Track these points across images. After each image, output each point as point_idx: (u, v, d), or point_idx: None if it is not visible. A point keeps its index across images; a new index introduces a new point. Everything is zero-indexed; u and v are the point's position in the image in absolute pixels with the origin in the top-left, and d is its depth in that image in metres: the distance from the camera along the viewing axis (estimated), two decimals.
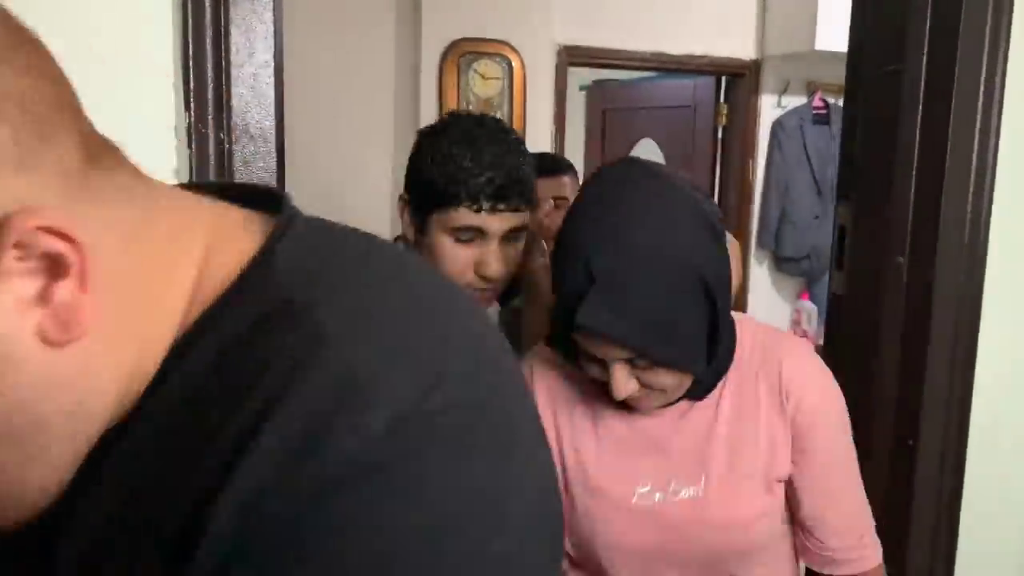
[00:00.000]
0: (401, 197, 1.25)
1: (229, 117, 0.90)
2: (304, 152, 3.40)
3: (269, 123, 0.93)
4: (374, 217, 3.52)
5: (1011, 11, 1.21)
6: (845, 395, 1.50)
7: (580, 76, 5.10)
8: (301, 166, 3.41)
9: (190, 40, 0.86)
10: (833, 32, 3.59)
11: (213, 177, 0.90)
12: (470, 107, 3.52)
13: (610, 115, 4.82)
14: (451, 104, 3.49)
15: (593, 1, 3.74)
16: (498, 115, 3.57)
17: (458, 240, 1.14)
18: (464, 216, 1.11)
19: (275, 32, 0.93)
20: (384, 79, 3.50)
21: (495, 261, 1.14)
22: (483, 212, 1.11)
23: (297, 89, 3.35)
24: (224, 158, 0.91)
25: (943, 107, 1.23)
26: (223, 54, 0.88)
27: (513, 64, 3.56)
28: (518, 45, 3.54)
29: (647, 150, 4.61)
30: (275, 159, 0.94)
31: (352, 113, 3.47)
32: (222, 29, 0.87)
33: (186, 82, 0.87)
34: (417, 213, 1.18)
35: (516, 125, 3.57)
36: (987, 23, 1.20)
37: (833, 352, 1.53)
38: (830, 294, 1.52)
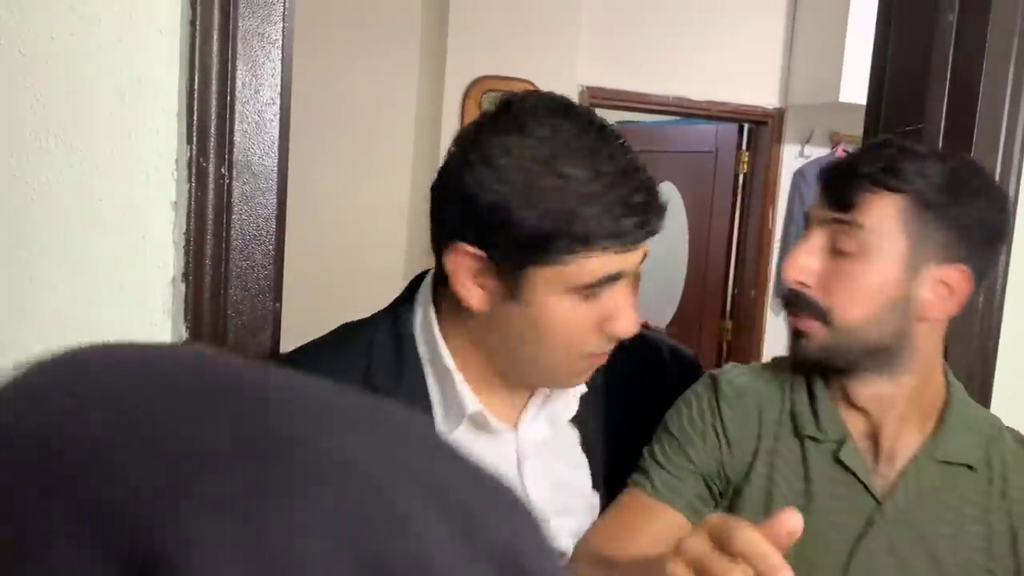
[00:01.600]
0: (457, 249, 0.83)
1: (231, 152, 0.89)
2: (322, 184, 3.42)
3: (271, 160, 0.93)
4: (390, 254, 3.52)
5: None
6: None
7: (602, 118, 5.11)
8: (318, 198, 3.43)
9: (196, 73, 0.86)
10: (858, 84, 3.58)
11: (211, 211, 0.89)
12: None
13: None
14: None
15: (618, 43, 3.75)
16: None
17: (586, 297, 0.80)
18: (603, 263, 0.78)
19: (282, 71, 0.92)
20: (406, 112, 3.52)
21: (632, 312, 0.84)
22: (627, 250, 0.79)
23: (317, 121, 3.39)
24: (224, 193, 0.90)
25: None
26: (228, 89, 0.88)
27: None
28: (541, 84, 3.54)
29: (667, 194, 4.58)
30: (275, 196, 0.93)
31: (373, 146, 3.48)
32: (228, 64, 0.87)
33: (190, 115, 0.87)
34: (502, 269, 0.81)
35: None
36: (1008, 81, 1.19)
37: None
38: None
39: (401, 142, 3.53)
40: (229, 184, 0.90)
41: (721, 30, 3.86)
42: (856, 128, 4.34)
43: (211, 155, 0.88)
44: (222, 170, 0.89)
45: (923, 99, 1.26)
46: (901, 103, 1.33)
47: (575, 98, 3.73)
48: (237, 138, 0.90)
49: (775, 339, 4.16)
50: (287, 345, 3.30)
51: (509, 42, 3.49)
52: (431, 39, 3.49)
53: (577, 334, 0.82)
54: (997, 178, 1.19)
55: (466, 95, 3.48)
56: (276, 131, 0.92)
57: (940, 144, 1.25)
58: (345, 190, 3.45)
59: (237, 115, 0.89)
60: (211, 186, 0.88)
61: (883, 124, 1.36)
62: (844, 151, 3.97)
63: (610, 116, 4.93)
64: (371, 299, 3.92)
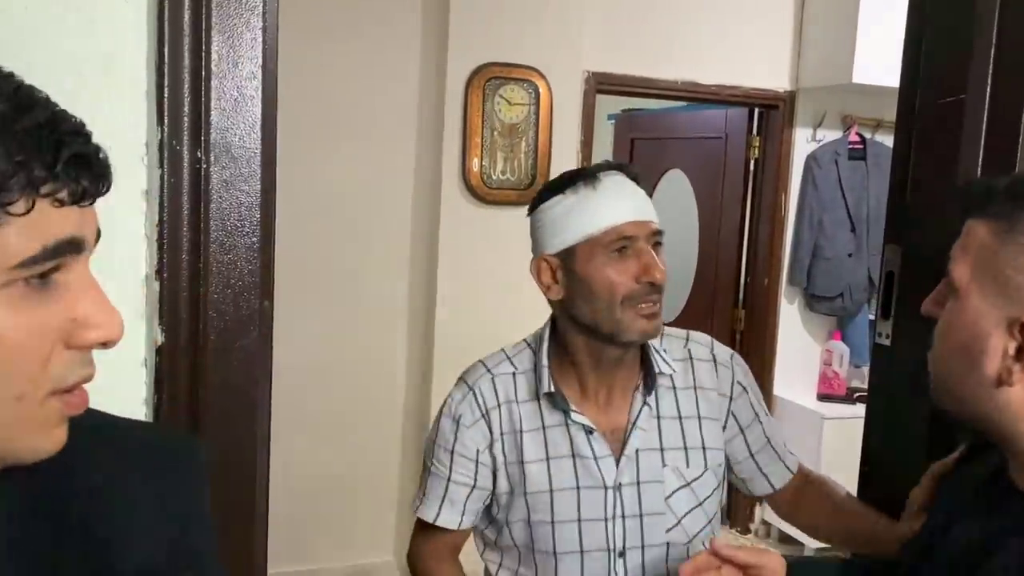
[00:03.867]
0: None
1: (207, 134, 0.80)
2: (322, 175, 3.33)
3: (253, 142, 0.83)
4: (394, 241, 3.44)
5: None
6: (886, 450, 1.38)
7: (609, 106, 5.02)
8: (319, 190, 3.35)
9: (165, 46, 0.77)
10: (872, 65, 3.48)
11: (186, 200, 0.80)
12: (495, 132, 3.43)
13: (639, 144, 4.72)
14: (476, 129, 3.41)
15: (624, 28, 3.66)
16: (523, 142, 3.48)
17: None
18: (48, 221, 0.69)
19: (264, 40, 0.83)
20: (409, 101, 3.44)
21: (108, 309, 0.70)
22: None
23: (316, 110, 3.31)
24: (200, 179, 0.81)
25: (1010, 139, 1.11)
26: (203, 63, 0.78)
27: (540, 90, 3.47)
28: (546, 71, 3.46)
29: (676, 181, 4.49)
30: (259, 182, 0.84)
31: (375, 135, 3.40)
32: (203, 35, 0.78)
33: (160, 93, 0.77)
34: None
35: (542, 152, 3.48)
36: None
37: (877, 406, 1.40)
38: (873, 344, 1.39)
39: (404, 131, 3.45)
40: (206, 169, 0.81)
41: (730, 12, 3.76)
42: (870, 110, 4.26)
43: (185, 137, 0.79)
44: (198, 154, 0.80)
45: (966, 68, 1.16)
46: (939, 73, 1.23)
47: (580, 85, 3.68)
48: (214, 118, 0.80)
49: (788, 328, 4.07)
50: (288, 343, 3.24)
51: (513, 28, 3.40)
52: (433, 25, 3.40)
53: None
54: None
55: (469, 83, 3.39)
56: (258, 109, 0.83)
57: (985, 116, 1.15)
58: (347, 180, 3.37)
59: (213, 92, 0.80)
60: (186, 172, 0.79)
61: (920, 97, 1.26)
62: (857, 134, 3.87)
63: (617, 102, 4.86)
64: (376, 291, 3.87)
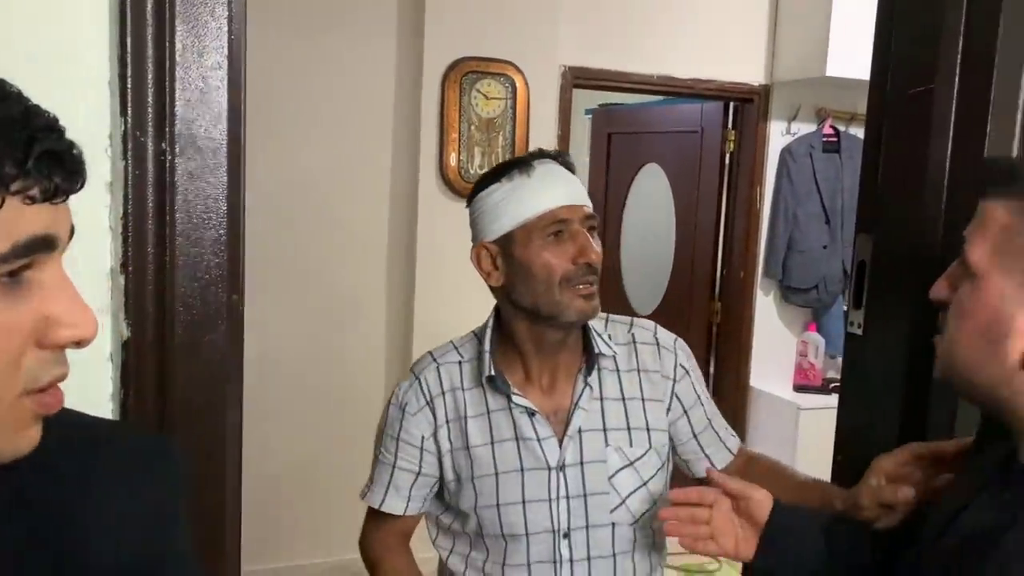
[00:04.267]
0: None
1: (172, 125, 0.79)
2: (298, 170, 3.31)
3: (219, 133, 0.82)
4: (371, 237, 3.43)
5: None
6: (858, 439, 1.40)
7: (586, 100, 5.02)
8: (297, 182, 3.32)
9: (128, 35, 0.75)
10: (845, 58, 3.51)
11: (151, 192, 0.79)
12: (472, 127, 3.43)
13: (616, 139, 4.73)
14: (452, 123, 3.40)
15: (600, 23, 3.66)
16: (501, 136, 3.48)
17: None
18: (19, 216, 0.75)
19: (230, 30, 0.82)
20: (385, 96, 3.42)
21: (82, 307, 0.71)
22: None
23: (291, 104, 3.28)
24: (165, 171, 0.79)
25: (978, 127, 1.12)
26: (167, 53, 0.77)
27: (517, 84, 3.47)
28: (522, 65, 3.45)
29: (652, 175, 4.51)
30: (226, 174, 0.82)
31: (350, 132, 3.38)
32: (166, 25, 0.77)
33: (123, 83, 0.76)
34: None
35: (519, 146, 3.48)
36: None
37: (849, 395, 1.41)
38: (846, 333, 1.40)
39: (381, 125, 3.43)
40: (171, 161, 0.80)
41: (705, 6, 3.77)
42: (844, 103, 4.29)
43: (149, 128, 0.77)
44: (162, 145, 0.79)
45: (934, 58, 1.17)
46: (908, 64, 1.24)
47: (557, 79, 3.68)
48: (179, 109, 0.79)
49: (764, 320, 4.10)
50: (265, 336, 3.21)
51: (489, 22, 3.39)
52: (408, 19, 3.38)
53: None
54: (1016, 135, 1.10)
55: (446, 77, 3.38)
56: (224, 100, 0.82)
57: (953, 106, 1.16)
58: (324, 174, 3.35)
59: (178, 83, 0.79)
60: (150, 164, 0.78)
61: (890, 87, 1.27)
62: (831, 127, 3.89)
63: (594, 97, 4.87)
64: (355, 285, 3.85)
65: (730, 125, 4.09)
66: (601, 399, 1.33)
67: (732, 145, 4.09)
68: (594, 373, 1.33)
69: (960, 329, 0.79)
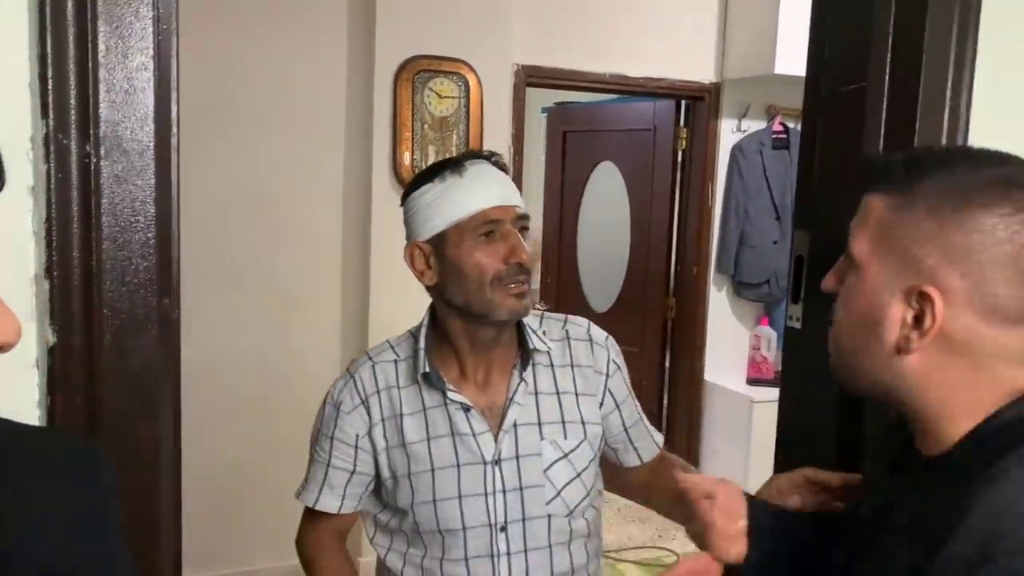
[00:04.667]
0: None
1: (96, 127, 0.77)
2: (248, 170, 3.27)
3: (146, 136, 0.81)
4: (325, 238, 3.40)
5: (977, 23, 1.14)
6: (799, 430, 1.43)
7: (542, 99, 5.04)
8: (248, 183, 3.28)
9: (48, 35, 0.74)
10: (793, 56, 3.56)
11: (76, 196, 0.77)
12: (426, 126, 3.41)
13: (571, 137, 4.75)
14: (406, 123, 3.39)
15: (552, 22, 3.68)
16: (454, 135, 3.47)
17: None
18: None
19: (156, 31, 0.80)
20: (336, 95, 3.39)
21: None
22: None
23: (240, 104, 3.24)
24: (90, 174, 0.78)
25: (908, 121, 1.15)
26: (90, 54, 0.76)
27: (470, 83, 3.46)
28: (475, 64, 3.45)
29: (607, 173, 4.54)
30: (153, 176, 0.81)
31: (301, 131, 3.34)
32: (88, 25, 0.75)
33: (43, 84, 0.75)
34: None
35: (473, 145, 3.48)
36: (953, 35, 1.13)
37: (789, 389, 1.44)
38: (786, 328, 1.42)
39: (332, 125, 3.40)
40: (96, 164, 0.78)
41: (656, 5, 3.81)
42: (792, 100, 4.36)
43: (72, 131, 0.76)
44: (87, 148, 0.77)
45: (866, 57, 1.19)
46: (842, 62, 1.27)
47: (510, 78, 3.67)
48: (103, 111, 0.78)
49: (718, 314, 4.15)
50: (218, 340, 3.16)
51: (441, 20, 3.38)
52: (359, 17, 3.36)
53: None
54: (944, 129, 1.13)
55: (398, 76, 3.36)
56: (151, 101, 0.80)
57: (884, 104, 1.19)
58: (276, 175, 3.32)
59: (102, 84, 0.77)
60: (74, 167, 0.76)
61: (824, 84, 1.29)
62: (780, 124, 3.96)
63: (550, 95, 4.88)
64: (310, 285, 3.81)
65: (682, 123, 4.13)
66: (536, 393, 1.35)
67: (684, 143, 4.13)
68: (529, 368, 1.35)
69: (844, 318, 0.82)
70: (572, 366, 1.39)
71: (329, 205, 3.41)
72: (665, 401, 4.32)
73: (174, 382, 0.92)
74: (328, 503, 1.36)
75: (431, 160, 3.45)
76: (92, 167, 0.78)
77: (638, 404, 1.49)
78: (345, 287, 3.46)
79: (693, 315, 4.15)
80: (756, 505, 1.06)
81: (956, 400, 0.77)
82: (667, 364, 4.30)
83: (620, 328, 4.42)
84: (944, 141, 1.15)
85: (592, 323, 1.47)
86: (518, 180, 3.67)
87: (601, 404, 1.41)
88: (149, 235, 0.82)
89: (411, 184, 1.35)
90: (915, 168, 0.78)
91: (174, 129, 0.90)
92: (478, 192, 1.28)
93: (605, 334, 1.46)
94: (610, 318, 4.53)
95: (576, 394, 1.38)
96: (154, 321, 0.84)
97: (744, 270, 4.02)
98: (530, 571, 1.33)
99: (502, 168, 1.35)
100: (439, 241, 1.30)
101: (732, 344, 4.15)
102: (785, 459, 1.41)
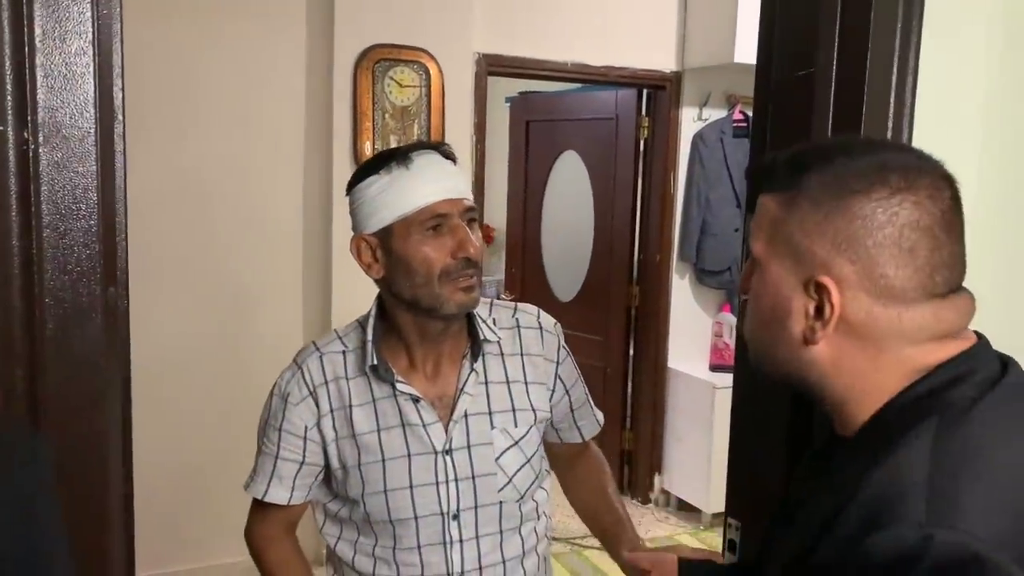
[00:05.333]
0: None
1: (35, 113, 0.76)
2: (210, 160, 3.23)
3: (87, 122, 0.79)
4: (285, 229, 3.37)
5: (922, 8, 1.16)
6: (751, 411, 1.45)
7: (506, 88, 5.03)
8: (206, 175, 3.24)
9: None
10: (752, 45, 3.59)
11: (14, 183, 0.76)
12: (387, 115, 3.39)
13: (533, 127, 4.76)
14: (366, 112, 3.36)
15: (513, 11, 3.67)
16: (416, 124, 3.45)
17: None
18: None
19: (96, 15, 0.79)
20: (295, 84, 3.36)
21: None
22: None
23: (197, 93, 3.19)
24: (28, 161, 0.77)
25: (855, 107, 1.16)
26: (25, 37, 0.74)
27: (431, 72, 3.45)
28: (435, 52, 3.44)
29: (571, 162, 4.55)
30: (95, 163, 0.80)
31: (260, 121, 3.31)
32: (23, 7, 0.74)
33: None
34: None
35: (435, 135, 3.46)
36: (898, 21, 1.15)
37: (741, 374, 1.46)
38: (739, 310, 1.44)
39: (292, 115, 3.37)
40: (35, 151, 0.77)
41: None
42: (752, 89, 4.42)
43: (9, 116, 0.74)
44: (24, 134, 0.76)
45: (814, 42, 1.21)
46: (791, 50, 1.28)
47: (471, 67, 3.66)
48: (41, 96, 0.76)
49: (680, 302, 4.19)
50: (176, 333, 3.12)
51: (401, 8, 3.36)
52: (318, 4, 3.33)
53: None
54: (891, 115, 1.15)
55: (358, 65, 3.34)
56: (91, 87, 0.79)
57: (832, 89, 1.21)
58: (235, 167, 3.28)
59: (39, 69, 0.76)
60: (11, 153, 0.75)
61: (774, 72, 1.31)
62: (741, 112, 3.99)
63: (514, 85, 4.87)
64: (268, 277, 3.77)
65: (644, 112, 4.15)
66: (486, 383, 1.36)
67: (646, 131, 4.15)
68: (479, 359, 1.35)
69: (754, 315, 0.85)
70: (522, 354, 1.40)
71: (289, 196, 3.38)
72: (629, 388, 4.35)
73: (123, 373, 0.91)
74: (277, 495, 1.35)
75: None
76: (31, 154, 0.77)
77: (584, 385, 1.51)
78: (307, 279, 3.43)
79: (656, 303, 4.18)
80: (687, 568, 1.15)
81: (863, 385, 0.79)
82: (631, 352, 4.34)
83: (585, 317, 4.47)
84: (891, 124, 1.17)
85: (541, 310, 1.48)
86: (480, 170, 3.66)
87: (552, 391, 1.43)
88: (91, 222, 0.81)
89: (356, 174, 1.33)
90: (798, 165, 0.80)
91: (119, 116, 0.88)
92: (425, 185, 1.27)
93: (553, 320, 1.47)
94: (575, 307, 4.55)
95: (526, 383, 1.39)
96: (98, 311, 0.82)
97: (706, 258, 4.06)
98: (482, 556, 1.34)
99: (451, 158, 1.34)
100: (385, 235, 1.28)
101: (695, 331, 4.20)
102: (739, 438, 1.43)
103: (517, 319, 1.42)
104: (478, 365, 1.35)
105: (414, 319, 1.31)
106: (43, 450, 0.69)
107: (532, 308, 1.47)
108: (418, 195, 1.26)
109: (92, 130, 0.80)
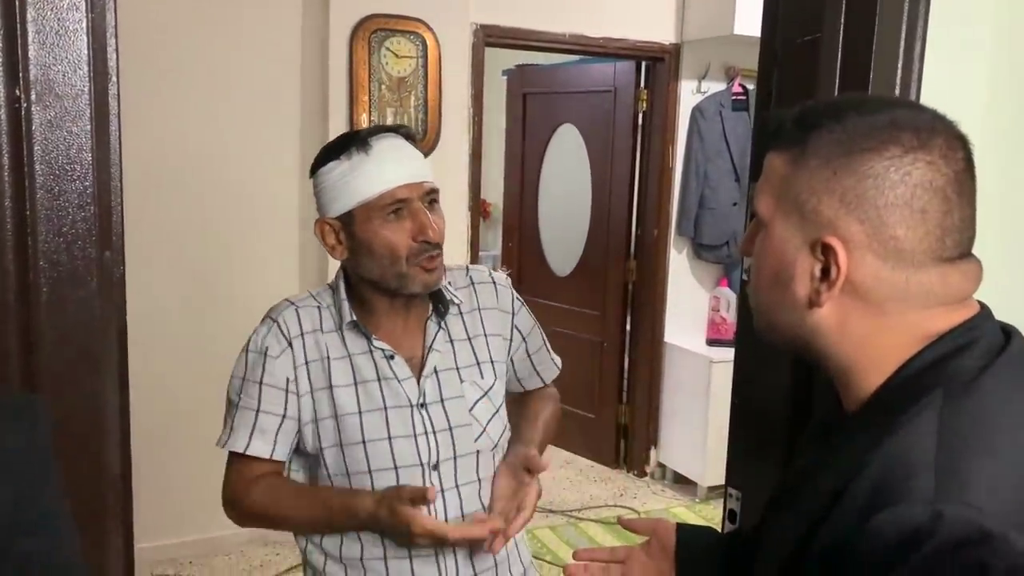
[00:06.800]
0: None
1: (26, 70, 0.74)
2: (204, 132, 3.19)
3: (80, 80, 0.77)
4: (282, 200, 3.34)
5: None
6: (752, 379, 1.45)
7: (503, 61, 4.98)
8: (201, 147, 3.21)
9: None
10: (752, 16, 3.56)
11: (6, 142, 0.74)
12: (383, 87, 3.36)
13: (531, 99, 4.71)
14: (363, 84, 3.32)
15: None
16: (413, 96, 3.42)
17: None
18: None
19: None
20: (290, 55, 3.31)
21: None
22: None
23: (194, 65, 3.15)
24: (21, 119, 0.75)
25: (862, 74, 1.15)
26: None
27: (428, 43, 3.41)
28: (432, 22, 3.40)
29: (568, 135, 4.52)
30: (89, 122, 0.78)
31: (256, 90, 3.27)
32: None
33: None
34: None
35: (432, 106, 3.43)
36: None
37: (743, 341, 1.45)
38: (741, 281, 1.43)
39: (287, 87, 3.33)
40: (27, 109, 0.75)
41: None
42: (751, 61, 4.40)
43: (0, 73, 0.72)
44: (16, 92, 0.74)
45: (820, 8, 1.19)
46: (797, 14, 1.26)
47: (468, 37, 3.61)
48: (33, 52, 0.74)
49: (678, 277, 4.18)
50: (173, 305, 3.10)
51: None
52: None
53: None
54: (898, 82, 1.14)
55: (354, 35, 3.29)
56: (84, 45, 0.77)
57: (839, 55, 1.19)
58: (230, 140, 3.25)
59: (31, 25, 0.74)
60: (3, 111, 0.73)
61: (779, 38, 1.29)
62: (740, 85, 3.96)
63: (511, 58, 4.82)
64: (264, 249, 3.74)
65: (642, 84, 4.12)
66: (451, 341, 1.40)
67: (644, 104, 4.12)
68: (444, 318, 1.40)
69: (758, 277, 0.82)
70: (479, 309, 1.45)
71: (285, 167, 3.35)
72: (626, 363, 4.35)
73: (119, 337, 0.90)
74: (260, 448, 1.33)
75: (389, 122, 3.40)
76: (23, 112, 0.75)
77: (542, 332, 1.56)
78: (303, 251, 3.41)
79: (653, 278, 4.17)
80: (684, 532, 1.13)
81: (868, 352, 0.77)
82: (628, 327, 4.33)
83: (582, 292, 4.46)
84: (898, 88, 1.15)
85: (490, 268, 1.54)
86: (477, 143, 3.63)
87: (511, 341, 1.48)
88: (86, 183, 0.79)
89: (318, 158, 1.34)
90: (807, 121, 0.77)
91: (113, 77, 0.86)
92: (385, 171, 1.28)
93: (504, 274, 1.54)
94: (572, 282, 4.54)
95: (485, 335, 1.44)
96: (93, 273, 0.81)
97: (704, 232, 4.04)
98: (464, 505, 1.38)
99: (411, 139, 1.35)
100: (348, 219, 1.31)
101: (692, 306, 4.19)
102: (740, 406, 1.42)
103: (471, 277, 1.47)
104: (444, 323, 1.40)
105: (379, 294, 1.35)
106: (41, 412, 0.68)
107: (482, 267, 1.53)
108: (378, 180, 1.28)
109: (86, 89, 0.78)
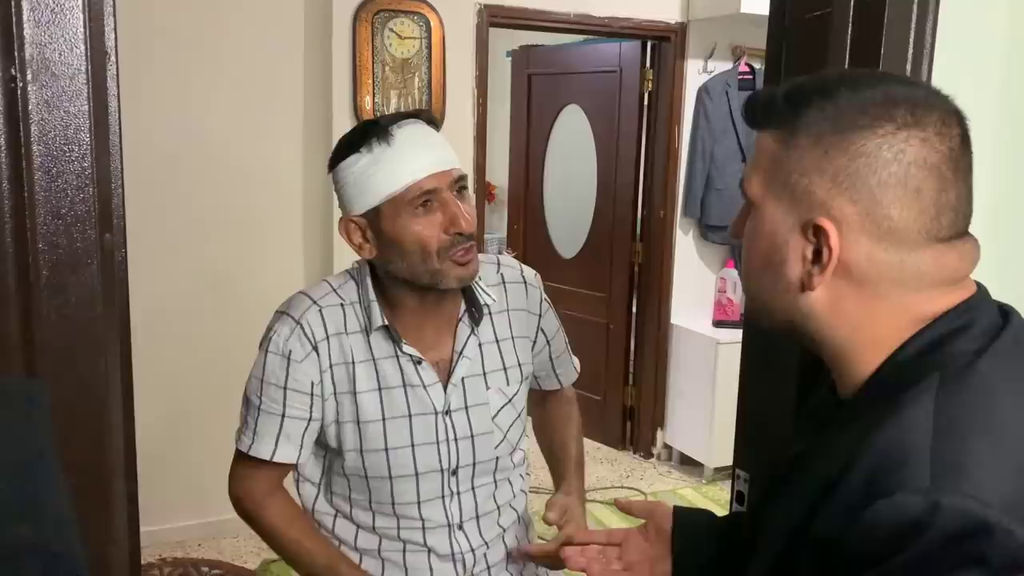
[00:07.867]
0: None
1: (22, 49, 0.73)
2: (207, 115, 3.18)
3: (77, 59, 0.76)
4: (285, 183, 3.33)
5: None
6: (759, 367, 1.44)
7: (507, 42, 4.94)
8: (204, 129, 3.19)
9: None
10: None
11: (2, 122, 0.73)
12: (387, 68, 3.33)
13: (536, 80, 4.68)
14: (366, 65, 3.30)
15: None
16: (417, 77, 3.39)
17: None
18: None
19: None
20: (293, 36, 3.29)
21: None
22: None
23: (196, 47, 3.13)
24: (17, 99, 0.73)
25: (873, 49, 1.12)
26: None
27: (431, 23, 3.38)
28: (436, 3, 3.37)
29: (573, 116, 4.48)
30: (87, 101, 0.77)
31: (258, 72, 3.25)
32: None
33: None
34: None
35: (436, 88, 3.41)
36: None
37: (752, 323, 1.44)
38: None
39: (290, 69, 3.30)
40: (23, 88, 0.73)
41: None
42: (759, 40, 4.34)
43: None
44: (11, 71, 0.72)
45: None
46: None
47: (473, 18, 3.59)
48: (28, 30, 0.73)
49: (684, 258, 4.16)
50: (177, 288, 3.10)
51: None
52: None
53: None
54: (909, 59, 1.11)
55: (357, 16, 3.27)
56: (80, 22, 0.75)
57: (849, 30, 1.16)
58: (232, 123, 3.23)
59: (25, 2, 0.72)
60: None
61: (788, 12, 1.26)
62: (746, 64, 3.92)
63: (515, 39, 4.78)
64: (267, 231, 3.74)
65: (648, 64, 4.08)
66: (479, 344, 1.36)
67: (650, 84, 4.09)
68: (479, 323, 1.36)
69: (749, 261, 0.80)
70: (508, 311, 1.40)
71: (290, 150, 3.34)
72: (632, 345, 4.35)
73: (122, 321, 0.89)
74: (287, 454, 1.31)
75: (393, 104, 3.38)
76: (19, 91, 0.73)
77: (564, 335, 1.53)
78: (307, 233, 3.40)
79: (660, 259, 4.15)
80: (681, 515, 1.12)
81: (862, 335, 0.75)
82: (634, 308, 4.32)
83: (588, 273, 4.44)
84: (910, 64, 1.13)
85: (521, 263, 1.48)
86: (482, 125, 3.60)
87: (535, 343, 1.44)
88: (85, 164, 0.78)
89: (337, 152, 1.26)
90: (797, 99, 0.74)
91: (111, 56, 0.85)
92: (410, 161, 1.21)
93: (534, 272, 1.47)
94: (578, 264, 4.52)
95: (513, 338, 1.39)
96: (95, 256, 0.80)
97: (710, 213, 4.02)
98: (479, 505, 1.37)
99: (434, 124, 1.28)
100: (374, 216, 1.24)
101: (698, 287, 4.17)
102: (748, 388, 1.41)
103: (502, 275, 1.41)
104: (478, 329, 1.35)
105: (410, 292, 1.29)
106: (41, 397, 0.67)
107: (514, 261, 1.47)
108: (404, 173, 1.21)
109: (83, 68, 0.77)
